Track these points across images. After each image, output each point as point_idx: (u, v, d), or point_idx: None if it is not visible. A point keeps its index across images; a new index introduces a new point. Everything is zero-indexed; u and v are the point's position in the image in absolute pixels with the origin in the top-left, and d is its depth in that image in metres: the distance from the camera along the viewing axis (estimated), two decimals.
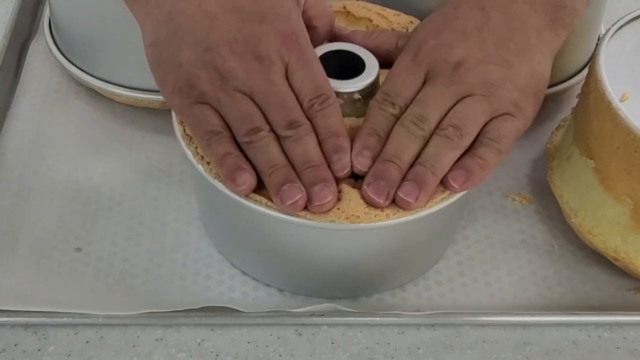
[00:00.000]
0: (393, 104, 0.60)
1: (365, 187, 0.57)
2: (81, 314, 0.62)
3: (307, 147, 0.57)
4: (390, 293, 0.66)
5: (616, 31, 0.67)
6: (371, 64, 0.63)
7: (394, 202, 0.57)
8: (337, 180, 0.58)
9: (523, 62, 0.62)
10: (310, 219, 0.57)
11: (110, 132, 0.78)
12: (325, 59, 0.62)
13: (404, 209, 0.57)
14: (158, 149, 0.76)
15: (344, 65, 0.63)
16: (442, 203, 0.59)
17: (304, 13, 0.63)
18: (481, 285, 0.67)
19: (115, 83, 0.77)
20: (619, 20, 0.68)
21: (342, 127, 0.59)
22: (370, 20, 0.70)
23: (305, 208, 0.57)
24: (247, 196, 0.58)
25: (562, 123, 0.73)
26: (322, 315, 0.62)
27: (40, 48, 0.85)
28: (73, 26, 0.77)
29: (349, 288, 0.65)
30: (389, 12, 0.71)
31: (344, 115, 0.60)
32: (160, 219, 0.71)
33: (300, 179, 0.57)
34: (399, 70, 0.62)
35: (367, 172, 0.58)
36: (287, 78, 0.59)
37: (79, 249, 0.68)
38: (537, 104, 0.63)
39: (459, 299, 0.66)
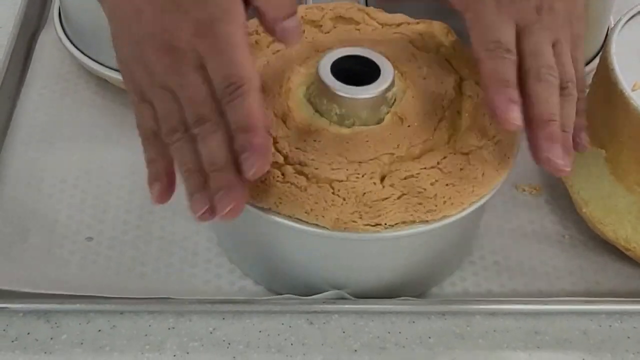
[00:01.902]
0: (508, 49, 0.58)
1: (546, 155, 0.56)
2: (93, 297, 0.62)
3: (211, 147, 0.53)
4: None
5: (627, 21, 0.67)
6: (386, 69, 0.62)
7: None
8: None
9: None
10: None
11: (120, 122, 0.78)
12: (338, 64, 0.62)
13: (554, 172, 0.57)
14: None
15: (357, 71, 0.62)
16: (471, 207, 0.59)
17: None
18: (492, 275, 0.67)
19: None
20: (629, 11, 0.68)
21: (254, 117, 0.53)
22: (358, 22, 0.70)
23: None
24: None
25: None
26: (334, 303, 0.62)
27: (50, 38, 0.85)
28: (83, 15, 0.77)
29: (366, 296, 0.64)
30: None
31: (359, 122, 0.60)
32: (171, 208, 0.70)
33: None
34: (492, 18, 0.59)
35: (520, 128, 0.57)
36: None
37: (90, 238, 0.68)
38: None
39: (470, 288, 0.66)
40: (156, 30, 0.54)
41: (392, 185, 0.58)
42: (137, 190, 0.72)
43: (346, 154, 0.59)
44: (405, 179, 0.58)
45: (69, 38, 0.81)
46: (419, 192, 0.57)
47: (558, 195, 0.72)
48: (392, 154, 0.59)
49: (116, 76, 0.77)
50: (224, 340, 0.61)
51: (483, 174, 0.59)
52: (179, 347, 0.61)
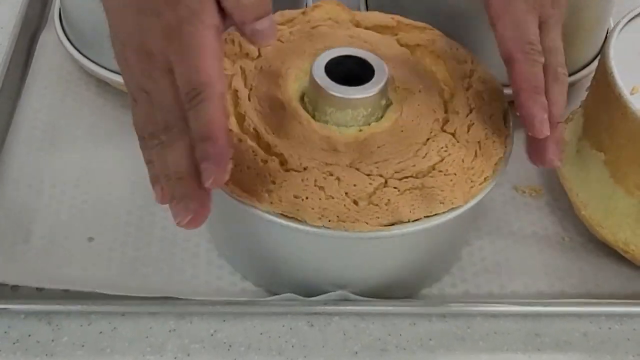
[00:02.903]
0: (539, 52, 0.59)
1: (550, 156, 0.59)
2: (94, 295, 0.62)
3: (175, 155, 0.52)
4: None
5: (626, 24, 0.68)
6: (380, 68, 0.62)
7: None
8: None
9: None
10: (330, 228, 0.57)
11: (121, 123, 0.77)
12: (332, 65, 0.62)
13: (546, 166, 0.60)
14: None
15: (351, 71, 0.62)
16: (465, 206, 0.59)
17: None
18: (492, 277, 0.67)
19: None
20: (629, 13, 0.68)
21: (214, 126, 0.51)
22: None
23: None
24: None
25: (570, 116, 0.73)
26: (335, 305, 0.62)
27: (51, 38, 0.84)
28: (83, 17, 0.77)
29: (364, 294, 0.64)
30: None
31: (355, 123, 0.61)
32: None
33: None
34: (524, 15, 0.60)
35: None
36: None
37: (91, 239, 0.68)
38: None
39: (471, 290, 0.66)
40: (134, 32, 0.53)
41: (395, 187, 0.58)
42: (138, 191, 0.72)
43: (346, 157, 0.59)
44: (406, 177, 0.59)
45: (69, 39, 0.81)
46: (422, 186, 0.58)
47: (558, 196, 0.72)
48: (395, 156, 0.59)
49: (116, 78, 0.77)
50: (224, 342, 0.61)
51: (480, 165, 0.60)
52: (180, 349, 0.61)
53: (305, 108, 0.62)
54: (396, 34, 0.69)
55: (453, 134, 0.61)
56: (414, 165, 0.59)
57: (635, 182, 0.63)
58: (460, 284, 0.67)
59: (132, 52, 0.53)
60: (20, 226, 0.69)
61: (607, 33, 0.80)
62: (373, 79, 0.62)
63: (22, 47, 0.84)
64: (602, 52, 0.66)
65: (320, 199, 0.57)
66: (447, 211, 0.58)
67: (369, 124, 0.62)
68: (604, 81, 0.64)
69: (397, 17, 0.70)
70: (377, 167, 0.59)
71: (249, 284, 0.66)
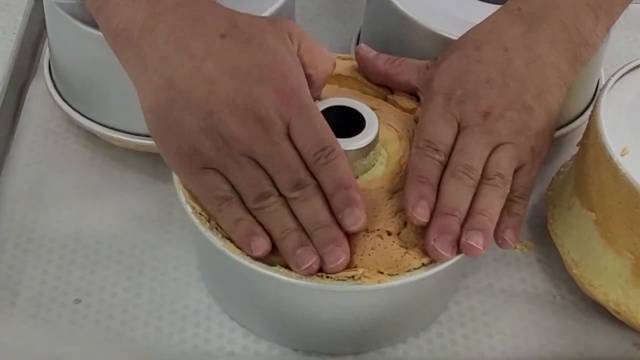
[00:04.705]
0: (437, 150, 0.61)
1: (432, 242, 0.58)
2: None
3: (314, 208, 0.57)
4: (392, 346, 0.66)
5: (617, 81, 0.67)
6: (371, 119, 0.62)
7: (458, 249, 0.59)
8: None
9: (542, 105, 0.64)
10: (319, 283, 0.57)
11: (110, 177, 0.77)
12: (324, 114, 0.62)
13: (471, 256, 0.59)
14: (158, 194, 0.75)
15: (341, 121, 0.62)
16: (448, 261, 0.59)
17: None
18: (483, 337, 0.67)
19: (115, 128, 0.76)
20: (619, 70, 0.68)
21: (351, 178, 0.58)
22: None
23: (321, 269, 0.57)
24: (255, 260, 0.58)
25: (562, 169, 0.73)
26: None
27: (40, 89, 0.84)
28: (73, 70, 0.77)
29: (353, 345, 0.64)
30: None
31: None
32: (161, 269, 0.70)
33: (311, 240, 0.57)
34: (434, 117, 0.63)
35: (424, 224, 0.59)
36: (290, 136, 0.59)
37: (78, 301, 0.68)
38: (551, 144, 0.66)
39: (461, 351, 0.66)
40: (237, 101, 0.58)
41: (397, 235, 0.60)
42: (126, 250, 0.71)
43: None
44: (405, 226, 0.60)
45: (58, 91, 0.80)
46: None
47: (549, 252, 0.71)
48: (394, 208, 0.61)
49: (105, 132, 0.76)
50: None
51: None
52: None
53: None
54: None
55: None
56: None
57: (626, 243, 0.62)
58: (449, 346, 0.66)
59: (234, 118, 0.58)
60: (7, 288, 0.68)
61: (597, 83, 0.80)
62: (366, 127, 0.62)
63: (11, 98, 0.83)
64: (592, 111, 0.65)
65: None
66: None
67: (365, 172, 0.63)
68: (594, 141, 0.63)
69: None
70: (386, 221, 0.60)
71: (236, 348, 0.65)
